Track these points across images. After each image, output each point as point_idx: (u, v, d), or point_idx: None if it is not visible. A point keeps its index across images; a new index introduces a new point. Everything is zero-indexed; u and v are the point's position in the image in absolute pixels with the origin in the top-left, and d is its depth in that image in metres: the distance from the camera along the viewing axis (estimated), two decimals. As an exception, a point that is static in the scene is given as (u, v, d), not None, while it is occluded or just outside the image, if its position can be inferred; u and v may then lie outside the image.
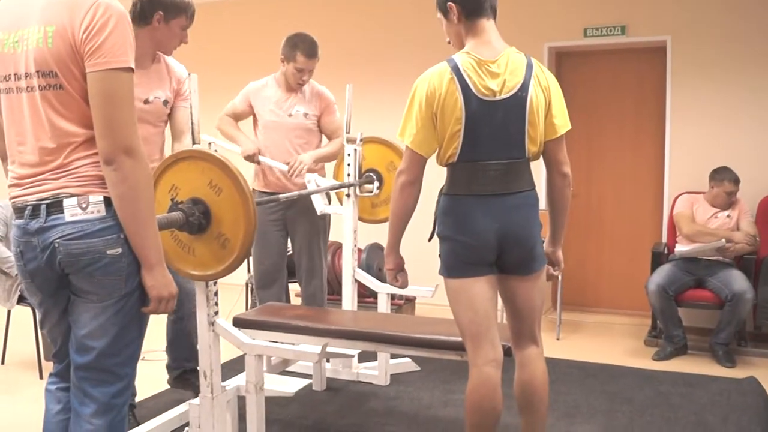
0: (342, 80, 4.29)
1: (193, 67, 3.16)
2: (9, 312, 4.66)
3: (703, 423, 3.58)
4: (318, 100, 4.25)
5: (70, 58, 1.87)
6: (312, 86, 4.27)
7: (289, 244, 4.38)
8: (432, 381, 4.18)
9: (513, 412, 2.99)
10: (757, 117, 5.26)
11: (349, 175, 4.07)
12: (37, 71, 1.90)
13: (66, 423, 2.14)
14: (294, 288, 4.88)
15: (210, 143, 4.32)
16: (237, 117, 4.31)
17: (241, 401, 3.21)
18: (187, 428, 3.16)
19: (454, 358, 3.06)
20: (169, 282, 2.01)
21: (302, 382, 3.45)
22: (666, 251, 5.10)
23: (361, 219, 4.26)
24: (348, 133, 4.11)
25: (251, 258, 4.42)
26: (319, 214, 4.07)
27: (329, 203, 4.23)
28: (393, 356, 4.18)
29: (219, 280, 2.90)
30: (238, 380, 3.28)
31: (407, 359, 4.30)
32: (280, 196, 3.53)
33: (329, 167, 4.43)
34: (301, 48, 4.04)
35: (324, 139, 4.35)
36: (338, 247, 5.63)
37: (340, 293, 4.25)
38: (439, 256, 2.65)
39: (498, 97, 2.48)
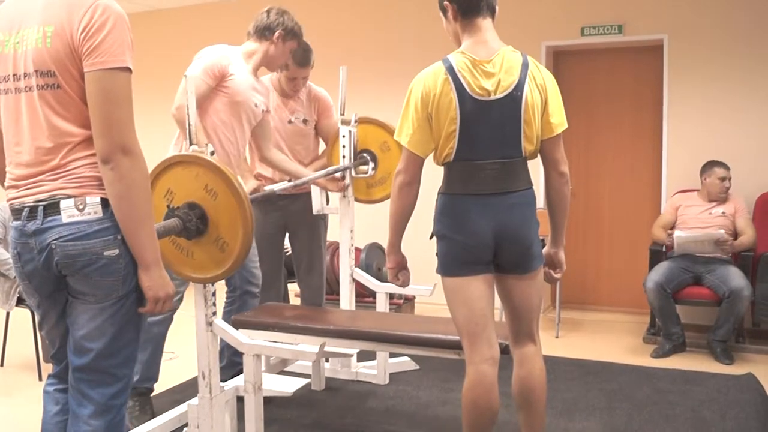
0: (336, 64, 4.27)
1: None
2: (8, 314, 4.66)
3: (701, 419, 3.59)
4: (316, 103, 4.25)
5: (68, 58, 1.88)
6: (309, 89, 4.25)
7: (287, 244, 4.39)
8: (431, 380, 4.19)
9: (511, 410, 3.00)
10: (754, 115, 5.27)
11: (344, 156, 4.06)
12: (36, 71, 1.91)
13: (64, 424, 2.14)
14: (293, 288, 4.89)
15: (213, 152, 4.32)
16: None
17: (240, 401, 3.22)
18: (186, 429, 3.17)
19: (452, 356, 3.07)
20: (166, 283, 2.01)
21: (301, 382, 3.45)
22: (664, 249, 5.10)
23: (357, 200, 4.25)
24: (342, 114, 4.11)
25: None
26: (315, 212, 4.07)
27: (327, 203, 4.23)
28: (392, 355, 4.19)
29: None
30: (237, 381, 3.28)
31: (406, 358, 4.31)
32: (274, 187, 3.52)
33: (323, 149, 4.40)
34: (293, 57, 3.95)
35: (321, 143, 4.36)
36: (337, 246, 5.64)
37: (338, 293, 4.26)
38: (437, 254, 2.66)
39: (493, 97, 2.49)
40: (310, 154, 4.26)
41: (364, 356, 4.20)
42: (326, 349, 3.19)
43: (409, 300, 5.72)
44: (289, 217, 4.21)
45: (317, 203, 4.04)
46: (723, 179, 5.00)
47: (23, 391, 4.10)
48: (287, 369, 4.06)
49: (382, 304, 4.12)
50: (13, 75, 1.95)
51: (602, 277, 6.06)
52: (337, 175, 4.04)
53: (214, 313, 3.01)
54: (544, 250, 2.79)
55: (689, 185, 5.25)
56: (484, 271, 2.59)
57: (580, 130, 5.76)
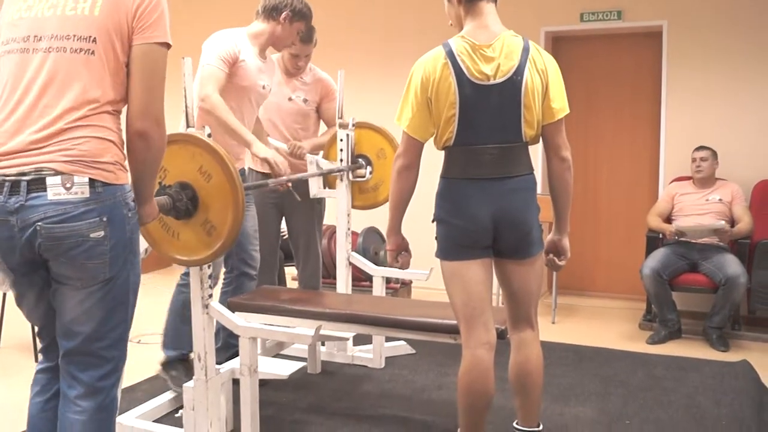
0: (337, 65, 4.27)
1: (189, 50, 3.16)
2: (4, 295, 4.66)
3: (696, 406, 3.60)
4: (320, 86, 4.24)
5: (116, 29, 1.93)
6: (314, 72, 4.26)
7: (284, 227, 4.38)
8: (426, 364, 4.19)
9: (507, 394, 3.01)
10: (753, 101, 5.25)
11: (341, 160, 4.07)
12: (74, 35, 1.92)
13: (42, 405, 2.13)
14: (290, 272, 4.89)
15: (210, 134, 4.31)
16: None
17: (236, 384, 3.22)
18: (181, 411, 3.17)
19: (447, 341, 3.07)
20: (156, 207, 2.26)
21: (297, 365, 3.45)
22: (661, 236, 5.10)
23: (354, 206, 4.26)
24: (340, 118, 4.10)
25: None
26: (311, 197, 4.07)
27: (325, 187, 4.22)
28: (388, 339, 4.20)
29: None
30: (233, 363, 3.28)
31: (402, 342, 4.31)
32: (269, 181, 3.52)
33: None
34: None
35: (322, 125, 4.34)
36: (334, 230, 5.63)
37: (335, 276, 4.25)
38: (436, 238, 2.66)
39: (492, 82, 2.48)
40: (309, 135, 4.26)
41: (361, 340, 4.20)
42: (322, 332, 3.19)
43: (406, 284, 5.73)
44: (286, 200, 4.19)
45: (314, 187, 4.03)
46: (694, 160, 5.04)
47: (20, 372, 4.10)
48: (283, 352, 4.07)
49: (378, 288, 4.12)
50: (35, 36, 1.94)
51: (599, 264, 6.07)
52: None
53: (210, 296, 3.00)
54: (548, 237, 2.78)
55: (687, 172, 5.23)
56: (482, 255, 2.59)
57: (579, 117, 5.74)
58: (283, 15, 3.54)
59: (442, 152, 2.63)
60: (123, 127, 2.02)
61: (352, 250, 4.24)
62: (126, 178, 2.02)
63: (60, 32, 1.92)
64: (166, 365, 3.54)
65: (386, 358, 4.19)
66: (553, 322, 5.28)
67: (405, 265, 2.83)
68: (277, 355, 3.97)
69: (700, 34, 5.36)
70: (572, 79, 5.70)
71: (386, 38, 6.26)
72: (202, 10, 6.64)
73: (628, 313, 5.51)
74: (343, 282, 4.16)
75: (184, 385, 3.09)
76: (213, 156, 2.55)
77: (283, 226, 4.38)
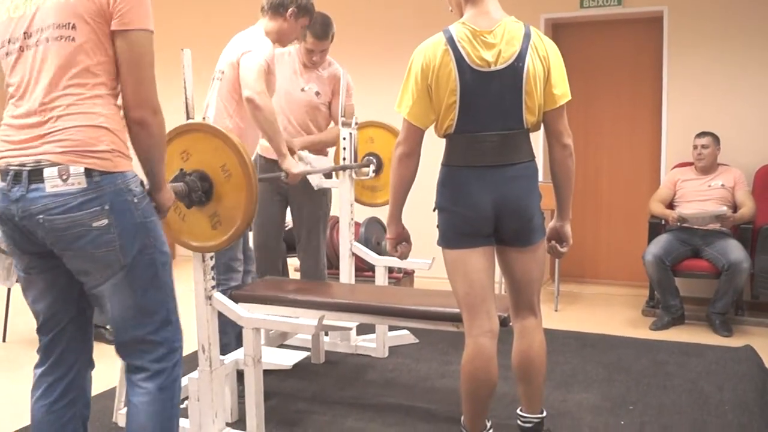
0: (342, 60, 4.27)
1: (190, 42, 3.17)
2: (9, 290, 4.68)
3: (699, 391, 3.61)
4: (335, 81, 4.21)
5: (96, 14, 1.92)
6: (333, 67, 4.23)
7: (289, 218, 4.38)
8: (430, 353, 4.21)
9: (510, 382, 3.02)
10: (754, 87, 5.24)
11: (344, 159, 4.08)
12: (54, 23, 1.93)
13: (47, 408, 2.14)
14: (293, 263, 4.89)
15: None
16: None
17: (240, 375, 3.23)
18: (186, 401, 3.19)
19: (450, 329, 3.08)
20: (171, 193, 2.25)
21: (300, 355, 3.47)
22: (663, 222, 5.10)
23: (360, 202, 4.28)
24: (343, 116, 4.10)
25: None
26: (315, 189, 4.07)
27: (331, 177, 4.23)
28: (391, 329, 4.21)
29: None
30: (237, 354, 3.30)
31: (405, 331, 4.32)
32: (283, 176, 3.53)
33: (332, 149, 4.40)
34: (312, 29, 3.95)
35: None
36: (336, 221, 5.64)
37: (338, 267, 4.26)
38: (437, 227, 2.66)
39: (493, 68, 2.47)
40: (317, 130, 4.24)
41: (364, 330, 4.22)
42: (325, 322, 3.20)
43: (409, 274, 5.73)
44: (291, 189, 4.19)
45: (315, 178, 4.03)
46: (696, 147, 5.03)
47: (24, 367, 4.10)
48: (287, 342, 4.08)
49: (381, 278, 4.13)
50: (25, 33, 1.96)
51: (601, 250, 6.07)
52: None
53: (214, 287, 3.01)
54: (551, 224, 2.78)
55: (688, 158, 5.23)
56: (484, 243, 2.59)
57: (579, 103, 5.69)
58: (290, 11, 3.53)
59: (443, 140, 2.63)
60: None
61: (355, 240, 4.24)
62: (127, 165, 2.02)
63: (42, 24, 1.94)
64: None
65: (389, 347, 4.20)
66: (556, 310, 5.29)
67: (404, 255, 2.83)
68: (281, 346, 3.99)
69: (701, 19, 5.34)
70: (572, 66, 5.63)
71: (388, 33, 6.24)
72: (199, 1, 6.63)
73: (631, 300, 5.52)
74: (346, 272, 4.17)
75: (189, 376, 3.11)
76: (238, 157, 2.55)
77: (288, 217, 4.38)
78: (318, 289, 3.64)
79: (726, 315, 4.77)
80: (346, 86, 4.20)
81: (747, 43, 5.23)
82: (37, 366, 2.21)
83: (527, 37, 2.50)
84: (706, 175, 5.04)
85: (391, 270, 4.74)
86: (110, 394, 3.43)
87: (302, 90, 4.15)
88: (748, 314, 4.98)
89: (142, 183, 2.07)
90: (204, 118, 2.88)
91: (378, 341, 4.14)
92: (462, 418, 2.72)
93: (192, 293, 2.96)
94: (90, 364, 2.27)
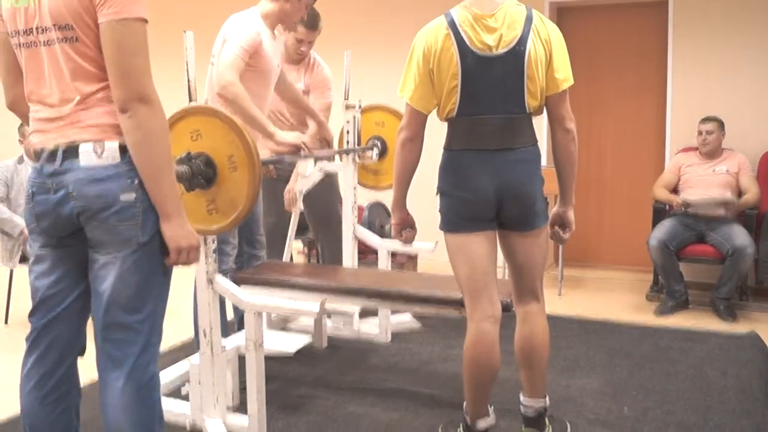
0: (344, 45, 4.24)
1: (193, 24, 3.14)
2: (11, 272, 4.68)
3: (702, 376, 3.60)
4: (318, 79, 4.19)
5: (85, 10, 1.88)
6: (315, 62, 4.20)
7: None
8: (432, 337, 4.20)
9: (512, 367, 3.00)
10: (759, 71, 5.20)
11: (348, 142, 4.05)
12: (54, 25, 1.91)
13: (40, 400, 2.10)
14: (295, 246, 4.88)
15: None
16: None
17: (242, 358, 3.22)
18: (187, 384, 3.18)
19: (453, 314, 3.06)
20: (189, 233, 2.00)
21: (303, 340, 3.46)
22: (667, 207, 5.07)
23: (363, 185, 4.26)
24: (346, 99, 4.07)
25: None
26: (320, 174, 4.05)
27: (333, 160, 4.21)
28: (393, 313, 4.19)
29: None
30: (239, 338, 3.28)
31: (408, 316, 4.31)
32: (286, 157, 3.50)
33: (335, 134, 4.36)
34: (302, 19, 3.90)
35: None
36: (339, 204, 5.62)
37: (341, 251, 4.24)
38: (439, 211, 2.64)
39: (495, 52, 2.45)
40: (300, 126, 4.18)
41: (367, 314, 4.20)
42: (327, 306, 3.19)
43: (412, 258, 5.71)
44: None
45: (303, 167, 4.03)
46: (700, 133, 4.99)
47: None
48: (289, 326, 4.07)
49: (383, 262, 4.11)
50: (37, 28, 1.95)
51: (605, 235, 6.05)
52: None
53: (215, 270, 2.99)
54: (554, 210, 2.76)
55: (694, 143, 5.19)
56: (485, 228, 2.57)
57: (583, 88, 5.68)
58: None
59: (445, 124, 2.61)
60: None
61: (358, 224, 4.22)
62: None
63: (46, 23, 1.92)
64: None
65: (392, 332, 4.19)
66: (560, 295, 5.27)
67: (409, 240, 2.82)
68: (283, 329, 3.98)
69: (707, 3, 5.28)
70: (576, 50, 5.63)
71: (395, 16, 6.20)
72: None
73: (635, 285, 5.50)
74: (349, 256, 4.15)
75: (190, 359, 3.10)
76: (246, 152, 2.53)
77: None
78: (321, 273, 3.64)
79: (730, 300, 4.74)
80: (322, 84, 4.17)
81: (752, 27, 5.17)
82: (27, 354, 2.17)
83: (529, 20, 2.48)
84: (711, 160, 5.00)
85: (393, 254, 4.72)
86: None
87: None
88: (752, 300, 4.97)
89: None
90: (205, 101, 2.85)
91: (381, 326, 4.13)
92: (464, 403, 2.71)
93: (185, 277, 2.93)
94: (81, 353, 2.23)
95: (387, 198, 5.13)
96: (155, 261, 2.01)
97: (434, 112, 2.61)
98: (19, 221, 4.38)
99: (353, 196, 4.13)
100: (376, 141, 4.21)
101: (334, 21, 6.10)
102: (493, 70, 2.46)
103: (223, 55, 3.25)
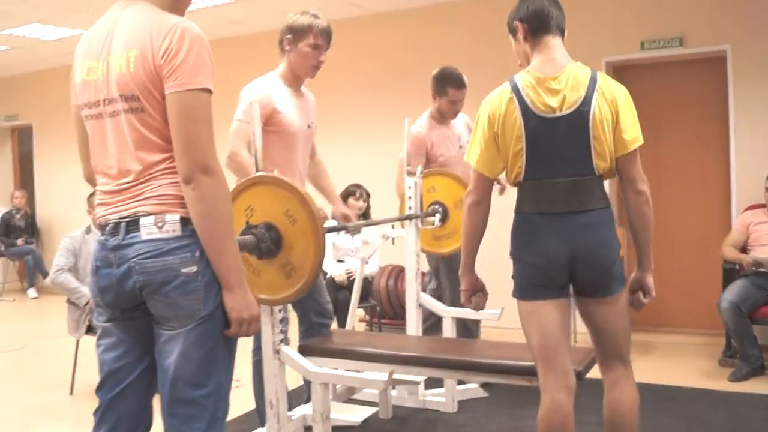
0: (400, 112, 4.31)
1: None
2: (78, 342, 4.73)
3: (789, 447, 3.42)
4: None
5: (151, 82, 1.91)
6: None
7: (350, 268, 4.35)
8: (499, 407, 4.08)
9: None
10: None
11: (410, 207, 4.05)
12: (121, 95, 1.94)
13: None
14: (358, 313, 4.85)
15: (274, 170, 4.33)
16: None
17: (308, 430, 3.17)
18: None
19: (523, 383, 2.98)
20: (251, 303, 1.98)
21: (369, 411, 3.40)
22: (737, 267, 4.92)
23: (423, 250, 4.25)
24: (409, 165, 4.09)
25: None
26: (381, 240, 4.07)
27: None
28: (460, 382, 4.10)
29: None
30: (305, 409, 3.24)
31: (475, 385, 4.21)
32: (349, 225, 3.50)
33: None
34: (451, 82, 4.29)
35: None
36: (400, 270, 5.59)
37: (403, 317, 4.20)
38: (513, 277, 2.60)
39: (558, 114, 2.44)
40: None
41: (432, 383, 4.12)
42: (393, 376, 3.13)
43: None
44: None
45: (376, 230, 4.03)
46: None
47: (91, 421, 4.12)
48: (354, 397, 4.01)
49: (448, 330, 4.05)
50: (104, 100, 1.99)
51: (673, 298, 5.86)
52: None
53: (282, 341, 2.98)
54: (632, 275, 2.67)
55: (761, 199, 5.06)
56: (558, 295, 2.51)
57: (645, 145, 5.59)
58: (285, 42, 3.38)
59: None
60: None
61: (422, 291, 4.19)
62: None
63: (113, 94, 1.96)
64: None
65: (459, 401, 4.09)
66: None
67: (479, 306, 2.77)
68: (348, 401, 3.92)
69: (765, 55, 5.21)
70: (636, 108, 5.60)
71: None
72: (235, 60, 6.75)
73: (707, 349, 5.30)
74: (414, 323, 4.10)
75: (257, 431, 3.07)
76: (300, 201, 2.55)
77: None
78: (386, 342, 3.59)
79: (810, 365, 4.54)
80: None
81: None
82: (95, 429, 2.16)
83: (593, 81, 2.47)
84: (778, 215, 4.87)
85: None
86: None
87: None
88: (832, 363, 4.74)
89: None
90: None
91: (447, 395, 4.04)
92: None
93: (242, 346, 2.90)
94: (149, 427, 2.21)
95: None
96: (218, 334, 1.99)
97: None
98: (86, 291, 4.46)
99: (416, 263, 4.10)
100: (437, 206, 4.20)
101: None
102: (558, 132, 2.45)
103: (232, 124, 3.26)
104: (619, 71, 5.89)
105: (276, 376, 2.97)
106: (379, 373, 3.16)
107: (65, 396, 4.74)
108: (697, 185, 5.76)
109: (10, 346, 6.23)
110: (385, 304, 5.72)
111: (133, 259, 1.93)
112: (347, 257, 5.45)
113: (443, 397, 4.05)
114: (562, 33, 2.59)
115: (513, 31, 2.61)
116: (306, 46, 3.36)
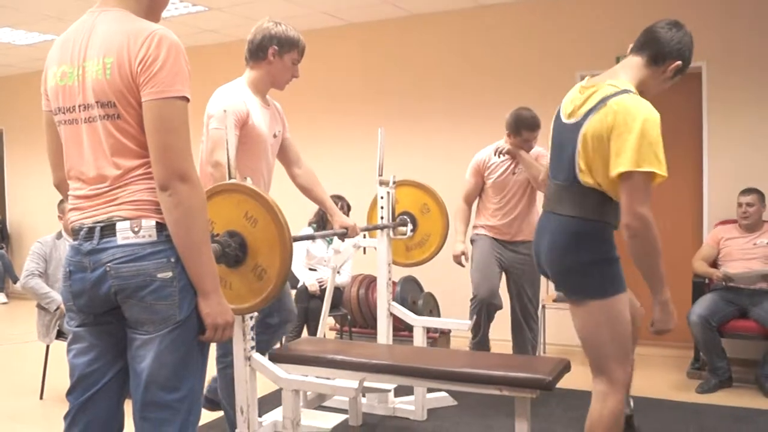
0: (374, 122, 4.30)
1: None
2: (48, 347, 4.69)
3: (753, 459, 3.47)
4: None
5: (127, 88, 1.91)
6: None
7: (322, 277, 4.33)
8: (469, 415, 4.10)
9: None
10: (797, 142, 5.16)
11: (382, 218, 4.06)
12: (97, 102, 1.94)
13: None
14: (328, 321, 4.85)
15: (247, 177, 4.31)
16: None
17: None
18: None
19: (493, 392, 3.00)
20: (225, 310, 1.99)
21: (338, 418, 3.40)
22: (707, 281, 4.98)
23: (395, 263, 4.25)
24: (381, 176, 4.10)
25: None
26: (354, 248, 4.06)
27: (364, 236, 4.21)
28: (429, 390, 4.12)
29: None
30: (275, 415, 3.24)
31: (444, 393, 4.23)
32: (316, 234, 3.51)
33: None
34: (525, 126, 4.38)
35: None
36: (371, 280, 5.60)
37: (374, 327, 4.21)
38: (591, 278, 2.58)
39: (566, 121, 2.59)
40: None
41: (402, 391, 4.13)
42: (365, 384, 3.14)
43: (445, 333, 5.64)
44: None
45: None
46: (740, 205, 4.94)
47: (62, 425, 4.09)
48: (324, 404, 4.01)
49: (419, 338, 4.06)
50: (80, 106, 1.98)
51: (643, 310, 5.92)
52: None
53: (253, 348, 2.98)
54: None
55: (731, 215, 5.13)
56: None
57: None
58: (270, 51, 3.29)
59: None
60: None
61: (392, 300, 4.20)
62: None
63: (89, 100, 1.96)
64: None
65: (428, 409, 4.10)
66: (598, 371, 5.14)
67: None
68: (319, 407, 3.92)
69: (741, 73, 5.30)
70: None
71: (419, 97, 6.30)
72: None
73: (676, 361, 5.36)
74: (384, 332, 4.11)
75: (226, 438, 3.06)
76: (257, 200, 2.55)
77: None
78: (355, 350, 3.59)
79: (776, 378, 4.60)
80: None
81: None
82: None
83: (604, 99, 2.45)
84: (751, 233, 4.93)
85: (427, 330, 4.68)
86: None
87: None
88: (799, 377, 4.80)
89: None
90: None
91: (416, 403, 4.05)
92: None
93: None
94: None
95: (418, 273, 5.12)
96: (193, 339, 2.00)
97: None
98: (56, 297, 4.42)
99: (388, 272, 4.11)
100: (405, 217, 4.21)
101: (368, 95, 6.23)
102: (562, 137, 2.60)
103: (210, 133, 3.15)
104: (594, 86, 5.95)
105: (247, 383, 2.97)
106: (349, 381, 3.17)
107: (35, 401, 4.69)
108: (669, 199, 5.81)
109: (-21, 351, 6.17)
110: (355, 312, 5.72)
111: (108, 264, 1.93)
112: (320, 266, 5.46)
113: (413, 405, 4.06)
114: (644, 54, 2.64)
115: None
116: (290, 60, 3.34)
